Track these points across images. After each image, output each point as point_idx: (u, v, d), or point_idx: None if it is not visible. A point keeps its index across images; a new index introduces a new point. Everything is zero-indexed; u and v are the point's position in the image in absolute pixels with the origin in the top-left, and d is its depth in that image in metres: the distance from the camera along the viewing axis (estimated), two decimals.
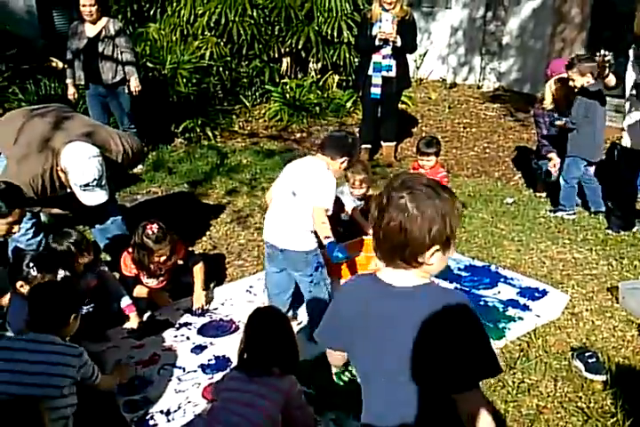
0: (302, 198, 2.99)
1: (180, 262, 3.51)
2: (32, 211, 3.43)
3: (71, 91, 5.59)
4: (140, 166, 5.39)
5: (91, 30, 5.35)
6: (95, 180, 3.20)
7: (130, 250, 3.35)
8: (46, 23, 8.29)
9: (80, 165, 3.17)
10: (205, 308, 3.49)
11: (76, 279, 2.97)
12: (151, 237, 3.21)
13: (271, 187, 3.26)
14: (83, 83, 5.51)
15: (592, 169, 4.60)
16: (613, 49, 4.94)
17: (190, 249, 4.01)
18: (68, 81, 5.57)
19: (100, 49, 5.34)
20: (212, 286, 3.71)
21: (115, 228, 3.76)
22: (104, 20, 5.35)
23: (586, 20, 7.52)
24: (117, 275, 3.46)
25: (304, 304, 3.31)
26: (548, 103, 4.71)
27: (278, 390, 2.17)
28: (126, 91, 5.52)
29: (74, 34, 5.41)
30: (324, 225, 2.92)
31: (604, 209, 4.57)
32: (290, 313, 3.36)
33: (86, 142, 3.26)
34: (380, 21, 5.31)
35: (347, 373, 2.69)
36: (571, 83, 4.35)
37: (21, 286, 2.75)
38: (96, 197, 3.28)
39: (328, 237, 2.91)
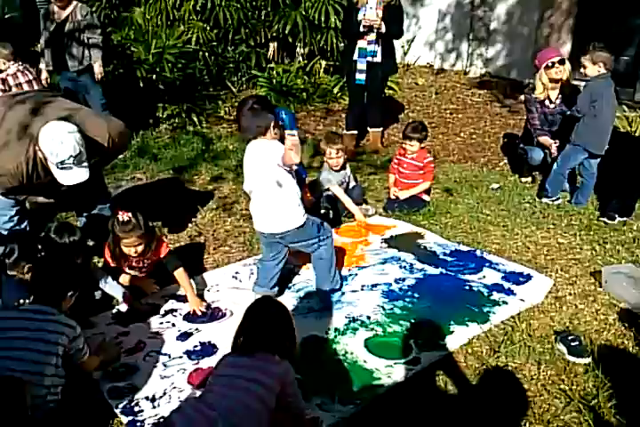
0: (285, 182, 3.03)
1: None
2: (17, 199, 3.38)
3: (44, 76, 5.53)
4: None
5: (60, 15, 5.28)
6: (72, 156, 3.01)
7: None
8: (28, 5, 8.17)
9: (55, 142, 3.01)
10: (203, 311, 3.31)
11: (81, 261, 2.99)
12: (119, 224, 3.15)
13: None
14: (52, 68, 5.46)
15: (595, 164, 4.50)
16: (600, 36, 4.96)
17: (171, 239, 4.00)
18: (42, 66, 5.51)
19: (67, 35, 5.27)
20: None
21: (102, 216, 3.72)
22: (72, 4, 5.27)
23: (573, 6, 7.52)
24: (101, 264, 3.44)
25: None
26: (538, 93, 4.70)
27: (273, 376, 2.15)
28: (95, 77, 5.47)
29: (46, 18, 5.34)
30: (291, 150, 2.86)
31: (584, 206, 4.57)
32: (275, 289, 3.42)
33: (61, 121, 3.12)
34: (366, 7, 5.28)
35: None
36: (582, 69, 4.35)
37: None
38: (75, 176, 3.09)
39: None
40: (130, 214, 3.15)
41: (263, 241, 3.34)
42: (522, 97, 6.29)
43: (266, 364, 2.18)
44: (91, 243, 3.79)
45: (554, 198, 4.63)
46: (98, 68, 5.45)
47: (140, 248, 3.23)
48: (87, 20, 5.32)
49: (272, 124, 3.06)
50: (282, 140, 3.11)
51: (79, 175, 3.10)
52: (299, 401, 2.33)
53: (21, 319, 2.43)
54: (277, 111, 2.93)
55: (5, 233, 3.37)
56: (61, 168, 3.06)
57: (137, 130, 6.10)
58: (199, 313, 3.28)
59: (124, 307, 3.28)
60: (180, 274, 3.35)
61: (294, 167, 3.09)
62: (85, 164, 3.12)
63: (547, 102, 4.72)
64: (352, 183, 4.59)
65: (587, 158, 4.46)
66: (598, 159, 4.49)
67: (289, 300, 3.41)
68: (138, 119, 6.09)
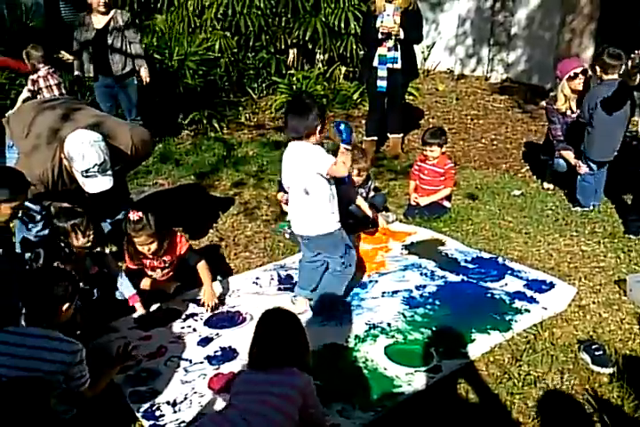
0: (314, 190, 3.06)
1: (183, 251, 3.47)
2: (43, 204, 3.44)
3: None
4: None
5: (99, 22, 5.37)
6: (97, 165, 3.09)
7: None
8: (53, 13, 8.32)
9: (81, 150, 3.08)
10: (216, 304, 3.41)
11: (71, 267, 2.99)
12: (130, 223, 3.20)
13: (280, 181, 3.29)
14: (91, 75, 5.56)
15: (602, 170, 4.44)
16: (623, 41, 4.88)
17: (192, 244, 4.02)
18: (76, 73, 5.62)
19: (109, 40, 5.38)
20: (218, 277, 3.70)
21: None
22: (112, 11, 5.37)
23: (595, 11, 7.43)
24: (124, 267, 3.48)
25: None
26: (561, 104, 4.65)
27: (294, 388, 2.15)
28: (135, 82, 5.56)
29: (81, 25, 5.44)
30: (343, 163, 2.96)
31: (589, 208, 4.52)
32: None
33: (88, 129, 3.19)
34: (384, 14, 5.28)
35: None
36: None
37: None
38: (99, 184, 3.17)
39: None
40: (140, 214, 3.20)
41: (300, 241, 3.36)
42: (543, 103, 6.24)
43: (283, 377, 2.18)
44: (114, 248, 3.85)
45: (586, 209, 4.54)
46: (145, 73, 5.54)
47: (153, 247, 3.27)
48: (129, 25, 5.43)
49: (319, 128, 3.02)
50: (322, 144, 3.14)
51: (103, 183, 3.18)
52: (320, 411, 2.33)
53: (20, 346, 2.25)
54: (337, 123, 2.98)
55: (31, 238, 3.42)
56: (86, 176, 3.14)
57: (159, 136, 6.16)
58: (206, 307, 3.35)
59: (141, 310, 3.31)
60: (201, 267, 3.42)
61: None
62: (110, 172, 3.20)
63: (568, 112, 4.68)
64: (371, 193, 4.59)
65: (596, 165, 4.42)
66: (605, 166, 4.44)
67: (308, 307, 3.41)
68: (160, 125, 6.16)
